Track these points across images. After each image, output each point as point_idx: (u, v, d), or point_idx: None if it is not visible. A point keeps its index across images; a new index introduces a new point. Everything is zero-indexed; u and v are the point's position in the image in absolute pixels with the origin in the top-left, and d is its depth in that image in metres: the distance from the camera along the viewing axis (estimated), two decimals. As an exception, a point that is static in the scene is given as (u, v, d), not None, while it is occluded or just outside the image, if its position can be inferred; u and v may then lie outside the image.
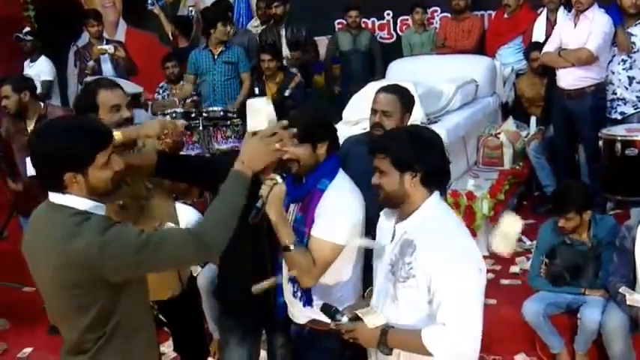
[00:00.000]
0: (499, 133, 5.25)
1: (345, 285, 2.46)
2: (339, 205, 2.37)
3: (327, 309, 2.17)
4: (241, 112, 5.68)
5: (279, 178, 2.27)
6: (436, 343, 1.95)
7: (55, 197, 1.94)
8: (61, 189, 1.92)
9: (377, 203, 2.24)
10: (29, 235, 2.05)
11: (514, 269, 4.32)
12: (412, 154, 2.03)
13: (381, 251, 2.21)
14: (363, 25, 6.91)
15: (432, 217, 2.06)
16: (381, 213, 2.29)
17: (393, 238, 2.15)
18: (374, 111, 3.01)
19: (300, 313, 2.53)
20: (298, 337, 2.60)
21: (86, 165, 1.90)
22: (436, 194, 2.10)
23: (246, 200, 2.10)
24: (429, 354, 1.97)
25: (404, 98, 3.00)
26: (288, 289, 2.55)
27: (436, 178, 2.08)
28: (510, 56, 6.17)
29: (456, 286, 1.95)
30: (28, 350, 4.35)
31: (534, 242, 4.24)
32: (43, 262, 1.95)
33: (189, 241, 1.90)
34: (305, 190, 2.45)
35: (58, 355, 2.11)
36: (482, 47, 6.38)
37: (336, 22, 7.44)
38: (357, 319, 2.11)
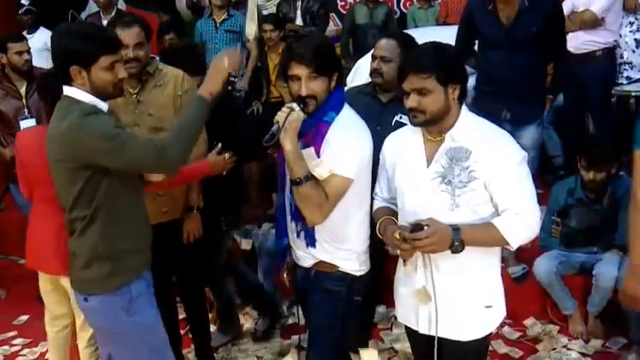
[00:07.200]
0: (506, 101, 5.12)
1: (351, 227, 2.35)
2: (347, 138, 2.25)
3: (417, 228, 2.03)
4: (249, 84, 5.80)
5: (295, 106, 2.19)
6: (514, 230, 2.05)
7: (65, 90, 2.21)
8: (69, 81, 2.18)
9: None
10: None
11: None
12: (454, 66, 2.08)
13: (409, 171, 2.19)
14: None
15: (475, 122, 2.15)
16: (403, 131, 2.29)
17: (428, 157, 2.15)
18: (373, 57, 2.91)
19: (306, 256, 2.42)
20: (304, 281, 2.48)
21: (90, 63, 2.14)
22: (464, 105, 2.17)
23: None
24: (505, 244, 2.07)
25: (405, 44, 2.85)
26: (292, 228, 2.44)
27: (465, 88, 2.12)
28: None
29: (519, 176, 2.05)
30: (24, 318, 4.35)
31: (543, 208, 4.14)
32: (49, 140, 2.23)
33: (152, 149, 2.11)
34: (310, 123, 2.29)
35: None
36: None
37: (339, -1, 7.38)
38: (420, 229, 2.03)
